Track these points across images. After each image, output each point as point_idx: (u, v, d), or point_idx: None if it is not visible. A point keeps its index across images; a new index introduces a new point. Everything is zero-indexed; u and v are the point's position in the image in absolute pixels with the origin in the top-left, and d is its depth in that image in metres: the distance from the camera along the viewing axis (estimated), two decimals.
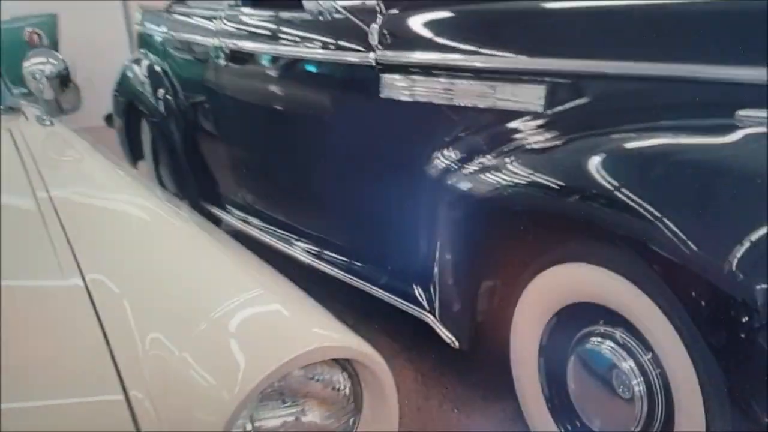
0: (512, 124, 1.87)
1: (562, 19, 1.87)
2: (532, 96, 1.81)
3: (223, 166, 3.09)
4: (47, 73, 1.76)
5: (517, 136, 1.82)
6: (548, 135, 1.75)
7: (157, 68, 3.51)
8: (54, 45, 5.54)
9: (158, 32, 3.56)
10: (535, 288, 1.69)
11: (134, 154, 3.89)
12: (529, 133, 1.80)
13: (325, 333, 0.84)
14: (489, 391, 2.06)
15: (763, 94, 1.44)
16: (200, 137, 3.23)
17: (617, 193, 1.40)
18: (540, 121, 1.80)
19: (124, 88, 3.74)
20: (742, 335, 1.24)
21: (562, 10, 1.87)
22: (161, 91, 3.43)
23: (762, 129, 1.40)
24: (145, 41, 3.76)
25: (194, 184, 3.30)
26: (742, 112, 1.44)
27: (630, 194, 1.38)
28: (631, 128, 1.58)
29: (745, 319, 1.22)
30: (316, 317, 0.88)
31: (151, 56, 3.61)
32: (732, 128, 1.42)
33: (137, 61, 3.68)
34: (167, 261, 0.97)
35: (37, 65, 1.76)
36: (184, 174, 3.32)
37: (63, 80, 1.79)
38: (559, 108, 1.76)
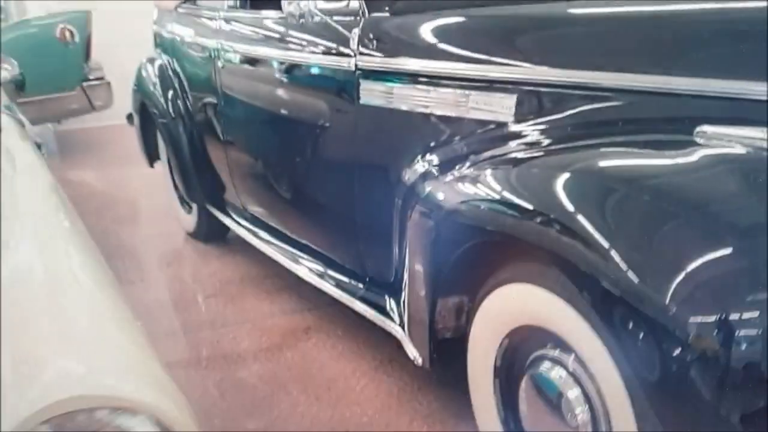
0: (483, 135, 1.86)
1: (533, 27, 1.85)
2: (503, 105, 1.79)
3: (223, 169, 3.14)
4: (3, 78, 1.78)
5: (486, 147, 1.81)
6: (513, 148, 1.74)
7: (168, 68, 3.58)
8: (86, 41, 5.69)
9: (168, 32, 3.62)
10: (489, 307, 1.68)
11: (151, 154, 3.96)
12: (497, 144, 1.79)
13: (106, 382, 0.85)
14: (462, 408, 2.04)
15: (732, 109, 1.39)
16: (205, 140, 3.29)
17: (559, 216, 1.38)
18: (508, 132, 1.78)
19: (139, 87, 3.81)
20: (675, 369, 1.20)
21: (534, 17, 1.85)
22: (170, 92, 3.49)
23: (722, 149, 1.35)
24: (159, 40, 3.83)
25: (200, 188, 3.35)
26: (702, 128, 1.39)
27: (571, 218, 1.36)
28: (591, 144, 1.55)
29: (676, 353, 1.19)
30: (120, 366, 0.89)
31: (164, 56, 3.68)
32: (691, 146, 1.38)
33: (151, 61, 3.75)
34: (21, 298, 0.99)
35: None
36: (191, 177, 3.37)
37: (18, 85, 1.82)
38: (528, 119, 1.74)
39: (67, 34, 5.53)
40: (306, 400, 2.20)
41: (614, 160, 1.46)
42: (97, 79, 5.72)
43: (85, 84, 5.64)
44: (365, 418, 2.09)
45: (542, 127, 1.70)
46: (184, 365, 2.52)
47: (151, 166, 4.03)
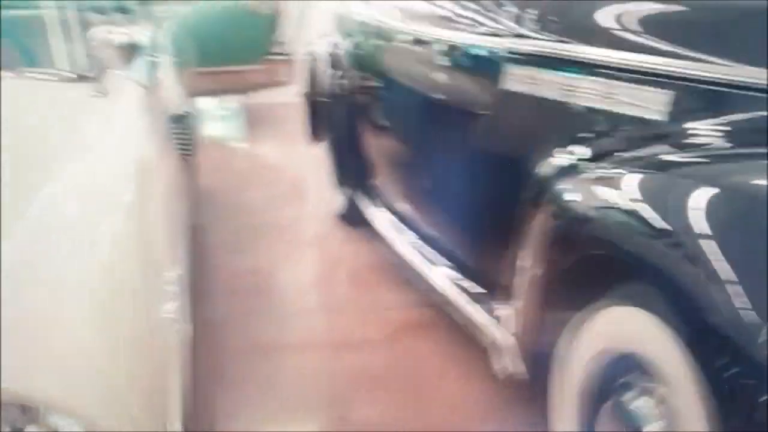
0: (630, 132, 1.72)
1: (708, 18, 1.66)
2: (655, 102, 1.64)
3: (370, 153, 3.14)
4: (116, 42, 1.87)
5: (631, 146, 1.68)
6: (660, 151, 1.59)
7: (337, 47, 3.64)
8: (277, 16, 5.91)
9: (345, 9, 3.69)
10: (582, 324, 1.58)
11: (316, 133, 4.04)
12: (644, 145, 1.64)
13: (38, 379, 0.85)
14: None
15: None
16: (359, 122, 3.31)
17: (687, 239, 1.24)
18: (658, 133, 1.63)
19: (310, 64, 3.92)
20: None
21: (712, 8, 1.66)
22: (336, 71, 3.55)
23: None
24: (337, 18, 3.91)
25: (349, 170, 3.39)
26: None
27: (696, 243, 1.21)
28: (748, 154, 1.39)
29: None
30: (65, 368, 0.89)
31: (337, 35, 3.75)
32: None
33: (325, 38, 3.84)
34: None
35: (107, 34, 1.87)
36: (342, 159, 3.42)
37: (132, 50, 1.89)
38: (682, 119, 1.58)
39: (260, 7, 5.77)
40: (391, 397, 2.21)
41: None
42: (283, 54, 5.91)
43: (270, 58, 5.86)
44: (446, 425, 2.08)
45: (697, 130, 1.54)
46: (293, 347, 2.58)
47: (313, 145, 4.12)
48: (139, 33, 2.90)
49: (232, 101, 6.80)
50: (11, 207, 1.15)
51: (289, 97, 6.27)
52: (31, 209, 1.18)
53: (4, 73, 1.87)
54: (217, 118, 6.89)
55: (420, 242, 2.59)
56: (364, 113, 3.22)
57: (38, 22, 1.97)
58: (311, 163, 4.78)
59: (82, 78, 1.86)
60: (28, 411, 0.84)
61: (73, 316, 0.99)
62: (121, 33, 1.86)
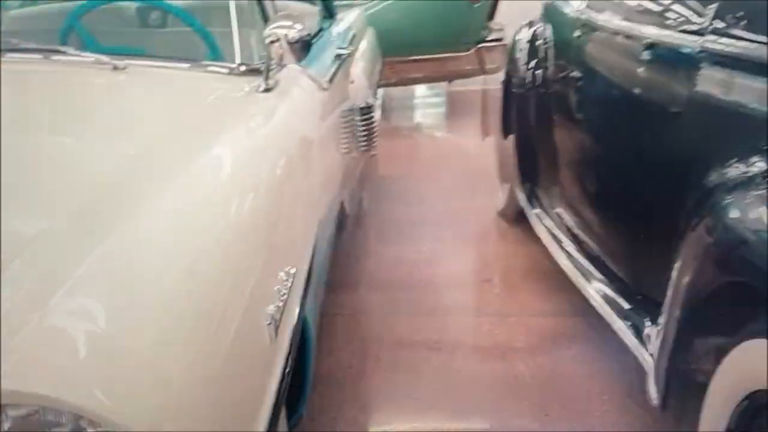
0: None
1: None
2: None
3: (545, 150, 3.05)
4: (290, 37, 1.87)
5: None
6: None
7: (539, 36, 3.55)
8: (493, 3, 5.85)
9: None
10: (733, 359, 1.44)
11: (507, 126, 3.97)
12: None
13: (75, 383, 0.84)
14: None
15: None
16: (543, 117, 3.21)
17: None
18: None
19: (511, 52, 3.86)
20: None
21: None
22: (533, 62, 3.46)
23: None
24: (543, 7, 3.82)
25: (527, 167, 3.30)
26: None
27: None
28: None
29: None
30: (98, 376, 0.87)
31: (539, 24, 3.67)
32: None
33: (529, 26, 3.75)
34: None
35: (279, 29, 1.82)
36: (524, 153, 3.34)
37: (304, 46, 1.88)
38: None
39: None
40: (534, 413, 2.14)
41: None
42: (495, 40, 5.79)
43: (481, 45, 5.78)
44: None
45: None
46: (435, 347, 2.54)
47: (504, 138, 4.04)
48: (332, 24, 2.95)
49: (439, 89, 6.84)
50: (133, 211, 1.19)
51: (496, 85, 6.20)
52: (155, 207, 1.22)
53: (177, 64, 1.97)
54: (421, 105, 7.00)
55: (578, 250, 2.50)
56: (550, 107, 3.12)
57: (222, 12, 2.04)
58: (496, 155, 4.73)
59: (252, 72, 1.92)
60: (81, 419, 0.83)
61: (150, 319, 0.97)
62: (297, 28, 1.86)
